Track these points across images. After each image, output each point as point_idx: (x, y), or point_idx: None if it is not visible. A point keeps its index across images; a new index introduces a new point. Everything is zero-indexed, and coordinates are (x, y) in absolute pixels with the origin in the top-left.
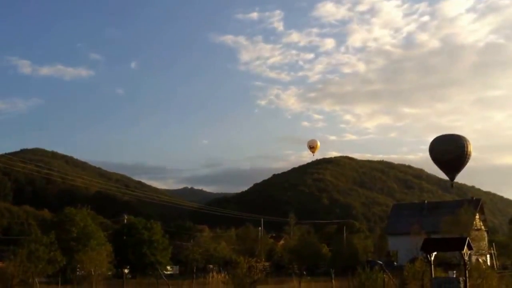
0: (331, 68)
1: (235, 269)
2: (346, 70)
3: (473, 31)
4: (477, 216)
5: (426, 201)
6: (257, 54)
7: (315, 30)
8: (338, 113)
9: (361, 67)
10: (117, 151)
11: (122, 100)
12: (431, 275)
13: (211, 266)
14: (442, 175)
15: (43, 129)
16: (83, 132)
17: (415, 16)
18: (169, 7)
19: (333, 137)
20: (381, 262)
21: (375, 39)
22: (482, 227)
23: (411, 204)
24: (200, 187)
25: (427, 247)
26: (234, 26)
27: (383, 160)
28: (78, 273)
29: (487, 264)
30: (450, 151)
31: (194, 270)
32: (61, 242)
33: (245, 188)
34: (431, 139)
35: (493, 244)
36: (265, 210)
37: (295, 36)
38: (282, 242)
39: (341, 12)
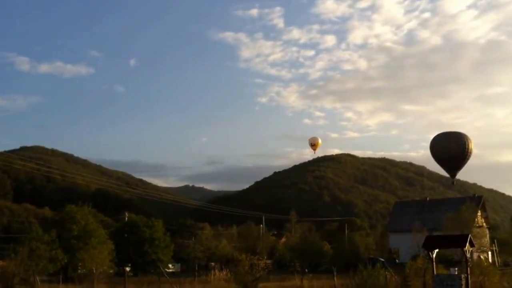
0: (332, 65)
1: (237, 267)
2: (347, 67)
3: (475, 28)
4: (478, 213)
5: (427, 199)
6: (258, 51)
7: (315, 27)
8: (339, 111)
9: (362, 64)
10: (118, 149)
11: (122, 97)
12: (433, 272)
13: (212, 264)
14: (443, 172)
15: (42, 126)
16: (83, 130)
17: (416, 13)
18: (168, 4)
19: (334, 135)
20: (383, 260)
21: (376, 36)
22: (484, 224)
23: (412, 202)
24: (201, 185)
25: (428, 244)
26: (234, 23)
27: (384, 158)
28: (79, 271)
29: (489, 261)
30: (451, 148)
31: (196, 268)
32: (62, 240)
33: (246, 185)
34: (432, 136)
35: (495, 241)
36: (266, 208)
37: (295, 33)
38: (283, 239)
39: (342, 8)
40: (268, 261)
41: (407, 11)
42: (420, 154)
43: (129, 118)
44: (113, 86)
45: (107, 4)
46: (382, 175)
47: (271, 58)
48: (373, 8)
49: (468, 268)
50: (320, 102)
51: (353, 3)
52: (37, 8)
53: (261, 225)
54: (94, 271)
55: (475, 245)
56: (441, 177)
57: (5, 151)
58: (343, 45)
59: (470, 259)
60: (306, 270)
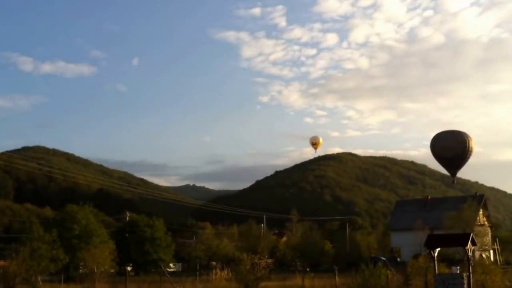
0: (333, 64)
1: (238, 266)
2: (349, 65)
3: (477, 26)
4: (480, 212)
5: (429, 197)
6: (259, 50)
7: (317, 25)
8: (340, 109)
9: (364, 62)
10: (119, 148)
11: (124, 97)
12: (435, 271)
13: (214, 263)
14: (445, 170)
15: (44, 126)
16: (84, 130)
17: (418, 11)
18: (171, 4)
19: (335, 133)
20: (384, 259)
21: (378, 34)
22: (486, 222)
23: (414, 200)
24: (202, 184)
25: (430, 243)
26: (236, 22)
27: (385, 156)
28: (80, 271)
29: (491, 260)
30: (452, 147)
31: (197, 268)
32: (64, 240)
33: (247, 185)
34: (434, 134)
35: (497, 239)
36: (267, 207)
37: (297, 32)
38: (284, 239)
39: (344, 7)
40: (269, 261)
41: (409, 9)
42: (421, 152)
43: (130, 118)
44: (115, 85)
45: (109, 4)
46: (383, 174)
47: (272, 57)
48: (375, 6)
49: (470, 267)
50: (321, 101)
51: (355, 2)
52: (39, 8)
53: (262, 224)
54: (95, 270)
55: (477, 244)
56: (443, 175)
57: (6, 151)
58: (344, 44)
59: (472, 258)
60: (308, 269)
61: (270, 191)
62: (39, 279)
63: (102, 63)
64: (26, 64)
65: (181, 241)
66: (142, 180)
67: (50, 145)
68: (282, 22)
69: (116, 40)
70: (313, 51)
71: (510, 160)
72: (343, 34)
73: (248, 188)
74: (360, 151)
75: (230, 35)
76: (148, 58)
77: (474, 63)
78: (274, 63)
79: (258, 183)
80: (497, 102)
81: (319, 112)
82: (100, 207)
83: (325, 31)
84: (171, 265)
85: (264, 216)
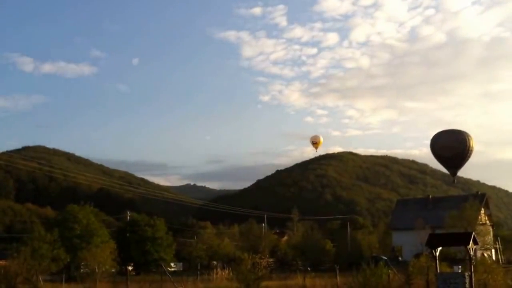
0: (334, 63)
1: (239, 266)
2: (350, 65)
3: (478, 25)
4: (482, 211)
5: (430, 196)
6: (260, 50)
7: (318, 24)
8: (341, 108)
9: (365, 61)
10: (120, 148)
11: (124, 97)
12: (436, 270)
13: (215, 262)
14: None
15: (44, 126)
16: (85, 129)
17: (419, 10)
18: (171, 3)
19: (336, 133)
20: (385, 258)
21: (379, 33)
22: (487, 221)
23: (415, 199)
24: (203, 184)
25: (432, 242)
26: (236, 21)
27: (386, 155)
28: (82, 270)
29: (492, 259)
30: (451, 146)
31: (198, 267)
32: (65, 239)
33: (248, 184)
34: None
35: (498, 238)
36: (268, 207)
37: (298, 31)
38: (285, 238)
39: (345, 6)
40: (270, 260)
41: (410, 8)
42: (422, 151)
43: (131, 117)
44: (116, 85)
45: (109, 4)
46: (384, 173)
47: (273, 56)
48: (376, 5)
49: (472, 266)
50: (322, 100)
51: (356, 1)
52: (39, 8)
53: (263, 224)
54: (97, 270)
55: (479, 243)
56: (444, 174)
57: (7, 151)
58: (345, 43)
59: (473, 257)
60: (309, 268)
61: (271, 190)
62: (40, 278)
63: (102, 63)
64: (27, 64)
65: (182, 241)
66: (142, 179)
67: (50, 145)
68: (283, 22)
69: (117, 40)
70: (313, 51)
71: None
72: (344, 33)
73: (249, 187)
74: (361, 150)
75: (231, 35)
76: (148, 58)
77: (475, 62)
78: (275, 63)
79: (259, 182)
80: (498, 101)
81: (320, 112)
82: (101, 206)
83: (325, 30)
84: (172, 264)
85: (265, 216)
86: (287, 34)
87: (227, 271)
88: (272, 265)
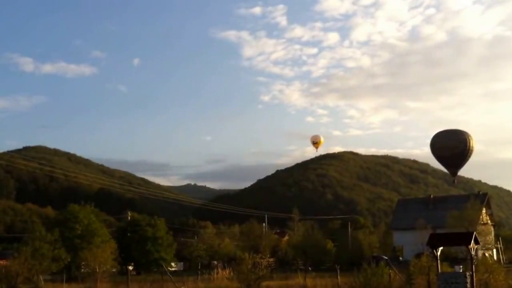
0: (335, 63)
1: (240, 266)
2: (350, 64)
3: (480, 24)
4: (483, 210)
5: (431, 196)
6: (260, 50)
7: (318, 24)
8: (342, 108)
9: (366, 61)
10: (120, 148)
11: (125, 97)
12: (438, 270)
13: (215, 262)
14: None
15: (45, 126)
16: (85, 129)
17: (420, 9)
18: (171, 3)
19: (337, 132)
20: (386, 258)
21: (380, 33)
22: (489, 221)
23: (416, 199)
24: (203, 184)
25: (433, 242)
26: (236, 21)
27: (387, 155)
28: (82, 270)
29: (494, 259)
30: (452, 146)
31: (199, 267)
32: (65, 239)
33: (248, 184)
34: (435, 133)
35: (500, 238)
36: (269, 206)
37: (298, 31)
38: (286, 238)
39: (345, 5)
40: (271, 260)
41: (411, 8)
42: (424, 151)
43: (131, 117)
44: (116, 85)
45: (110, 4)
46: (385, 173)
47: (274, 56)
48: (376, 4)
49: (473, 266)
50: (323, 100)
51: (357, 0)
52: (39, 9)
53: (264, 224)
54: (97, 270)
55: (480, 243)
56: (445, 174)
57: (8, 151)
58: (346, 42)
59: (475, 257)
60: (309, 268)
61: (272, 190)
62: (41, 278)
63: (102, 63)
64: (27, 64)
65: (183, 241)
66: (143, 179)
67: (51, 145)
68: (283, 21)
69: (117, 40)
70: (314, 50)
71: None
72: (344, 32)
73: (249, 187)
74: (362, 150)
75: (231, 35)
76: (149, 58)
77: (477, 61)
78: (275, 63)
79: (260, 182)
80: (500, 100)
81: (321, 111)
82: (102, 206)
83: (326, 30)
84: (172, 264)
85: (266, 215)
86: (287, 33)
87: (227, 271)
88: (273, 265)
